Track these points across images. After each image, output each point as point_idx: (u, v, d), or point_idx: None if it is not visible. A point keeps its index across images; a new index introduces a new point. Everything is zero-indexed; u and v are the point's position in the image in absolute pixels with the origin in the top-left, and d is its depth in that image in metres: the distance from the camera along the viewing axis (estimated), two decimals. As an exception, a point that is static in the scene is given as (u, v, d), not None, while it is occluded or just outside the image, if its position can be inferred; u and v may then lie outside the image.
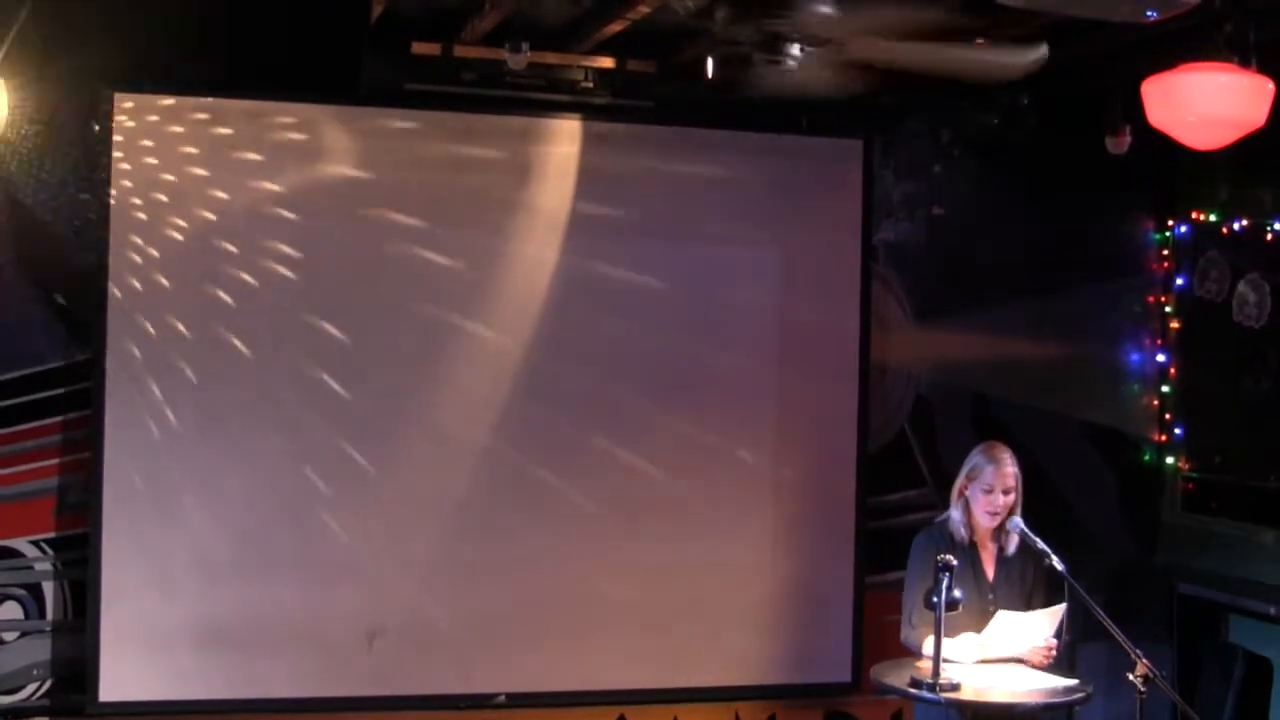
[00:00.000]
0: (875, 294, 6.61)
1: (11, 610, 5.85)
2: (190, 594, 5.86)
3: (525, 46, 5.37)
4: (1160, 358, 7.01)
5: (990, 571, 5.25)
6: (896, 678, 5.02)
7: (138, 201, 5.86)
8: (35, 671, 5.86)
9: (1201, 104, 4.63)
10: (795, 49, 4.49)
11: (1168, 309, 7.00)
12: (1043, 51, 4.66)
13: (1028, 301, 6.86)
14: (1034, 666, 5.08)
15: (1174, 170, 6.71)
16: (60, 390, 5.88)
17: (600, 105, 6.16)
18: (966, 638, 5.06)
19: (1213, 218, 6.77)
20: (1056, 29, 4.94)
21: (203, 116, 5.91)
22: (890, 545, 5.99)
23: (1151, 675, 4.67)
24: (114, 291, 5.81)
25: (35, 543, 5.87)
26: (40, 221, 5.87)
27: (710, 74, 5.32)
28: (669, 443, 6.34)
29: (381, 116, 6.08)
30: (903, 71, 4.77)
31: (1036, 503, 5.37)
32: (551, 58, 5.85)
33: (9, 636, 5.85)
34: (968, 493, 5.23)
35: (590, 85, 6.01)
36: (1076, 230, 6.90)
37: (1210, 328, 6.74)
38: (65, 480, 5.88)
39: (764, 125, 6.40)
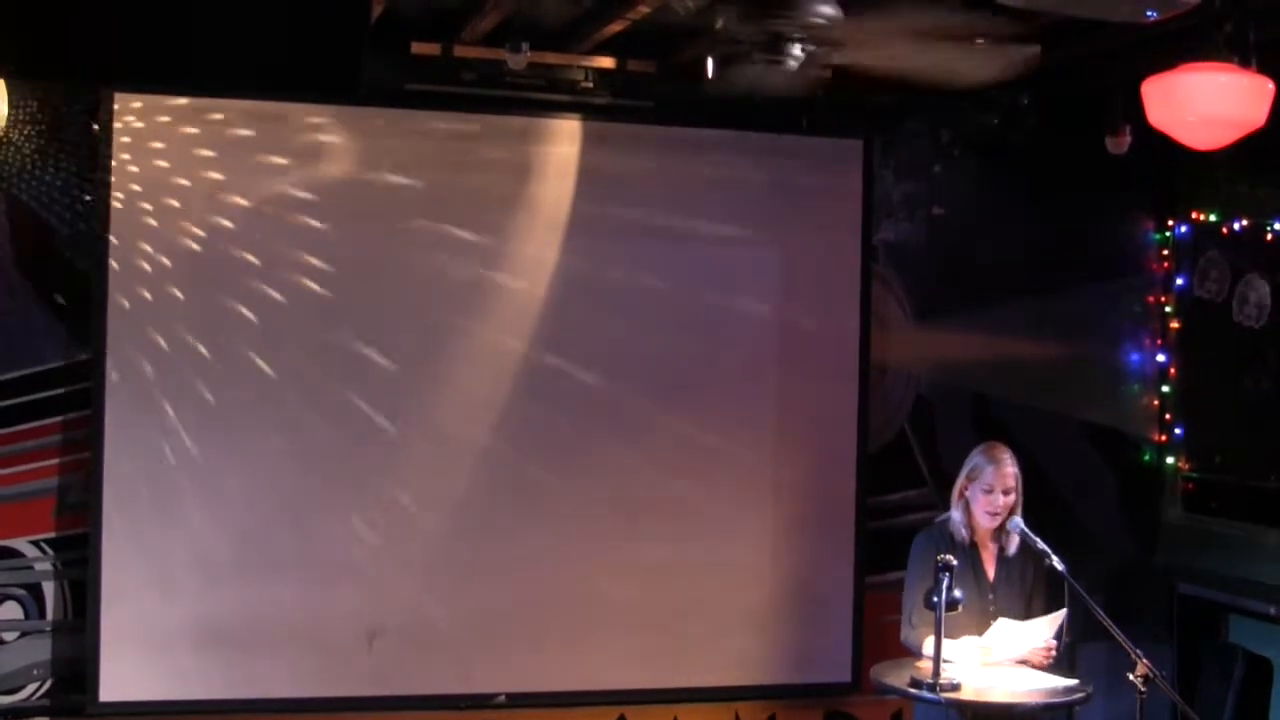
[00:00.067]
0: (875, 294, 6.61)
1: (11, 610, 5.85)
2: (190, 594, 5.87)
3: (525, 46, 5.38)
4: (1160, 358, 7.01)
5: (991, 572, 5.25)
6: (896, 678, 5.02)
7: (137, 201, 5.86)
8: (35, 671, 5.86)
9: (1201, 104, 4.63)
10: (796, 49, 4.50)
11: (1168, 309, 7.00)
12: (1034, 50, 4.67)
13: (1028, 301, 6.86)
14: (1034, 666, 5.08)
15: (1174, 170, 6.71)
16: (60, 390, 5.88)
17: (600, 105, 6.16)
18: (967, 641, 5.05)
19: (1213, 218, 6.77)
20: (1056, 29, 4.95)
21: (201, 116, 5.91)
22: (890, 545, 5.99)
23: (1151, 675, 4.67)
24: (114, 291, 5.82)
25: (35, 543, 5.87)
26: (40, 221, 5.87)
27: (710, 74, 5.33)
28: (669, 443, 6.34)
29: (381, 116, 6.08)
30: (899, 75, 4.78)
31: (1036, 503, 5.37)
32: (551, 58, 5.86)
33: (9, 636, 5.85)
34: (968, 493, 5.22)
35: (590, 85, 6.01)
36: (1076, 230, 6.90)
37: (1210, 328, 6.74)
38: (65, 480, 5.88)
39: (764, 125, 6.40)
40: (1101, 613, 4.83)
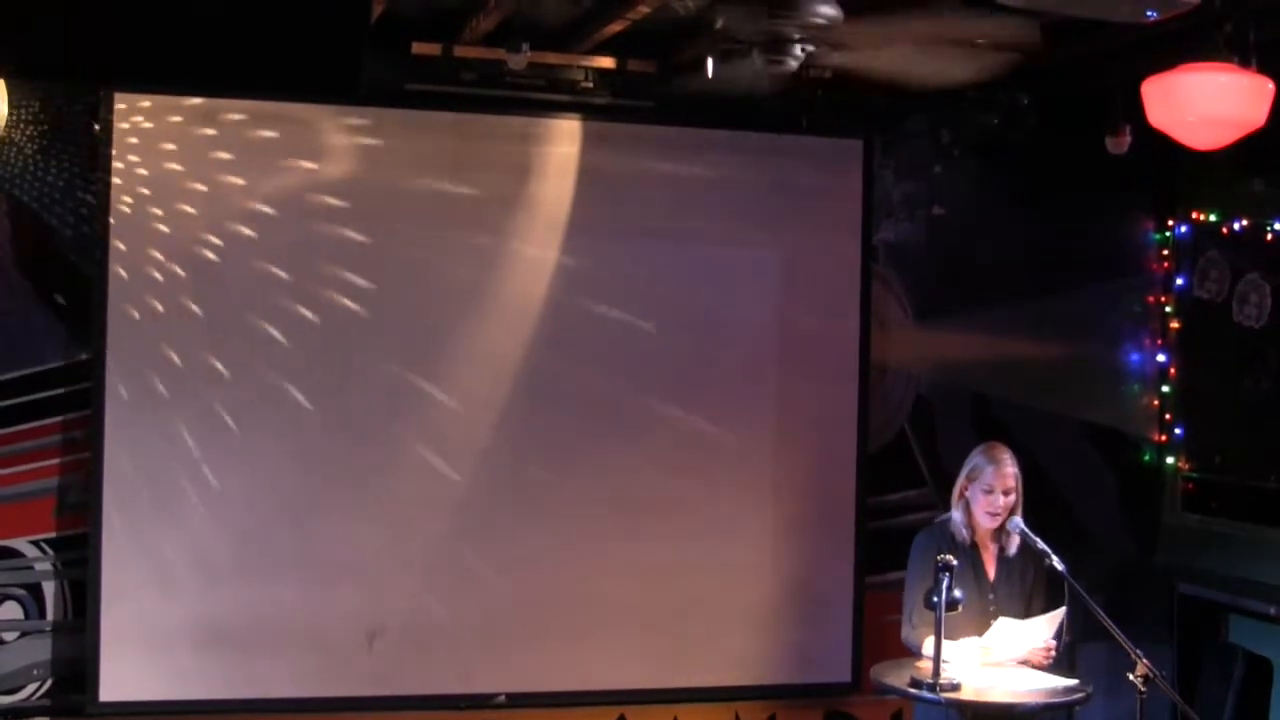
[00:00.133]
0: (875, 294, 6.61)
1: (11, 610, 5.85)
2: (190, 594, 5.87)
3: (525, 46, 5.38)
4: (1160, 358, 7.01)
5: (991, 572, 5.25)
6: (896, 678, 5.02)
7: (138, 201, 5.86)
8: (35, 671, 5.86)
9: (1201, 104, 4.63)
10: (797, 49, 4.51)
11: (1168, 309, 7.00)
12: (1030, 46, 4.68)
13: (1028, 301, 6.86)
14: (1034, 666, 5.08)
15: (1174, 170, 6.71)
16: (60, 390, 5.88)
17: (600, 105, 6.16)
18: (967, 642, 5.05)
19: (1213, 218, 6.77)
20: (1056, 29, 4.95)
21: (201, 116, 5.91)
22: (890, 545, 5.99)
23: (1151, 675, 4.67)
24: (114, 291, 5.82)
25: (35, 543, 5.87)
26: (41, 221, 5.87)
27: (710, 74, 5.33)
28: (669, 443, 6.34)
29: (381, 116, 6.08)
30: (898, 77, 4.78)
31: (1036, 503, 5.37)
32: (551, 58, 5.86)
33: (9, 636, 5.85)
34: (968, 493, 5.22)
35: (590, 85, 6.02)
36: (1076, 230, 6.90)
37: (1210, 328, 6.74)
38: (65, 480, 5.88)
39: (764, 125, 6.40)
40: (1101, 613, 4.83)
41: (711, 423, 6.38)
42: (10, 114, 5.43)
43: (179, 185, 5.90)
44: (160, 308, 5.88)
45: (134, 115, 5.86)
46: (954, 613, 4.87)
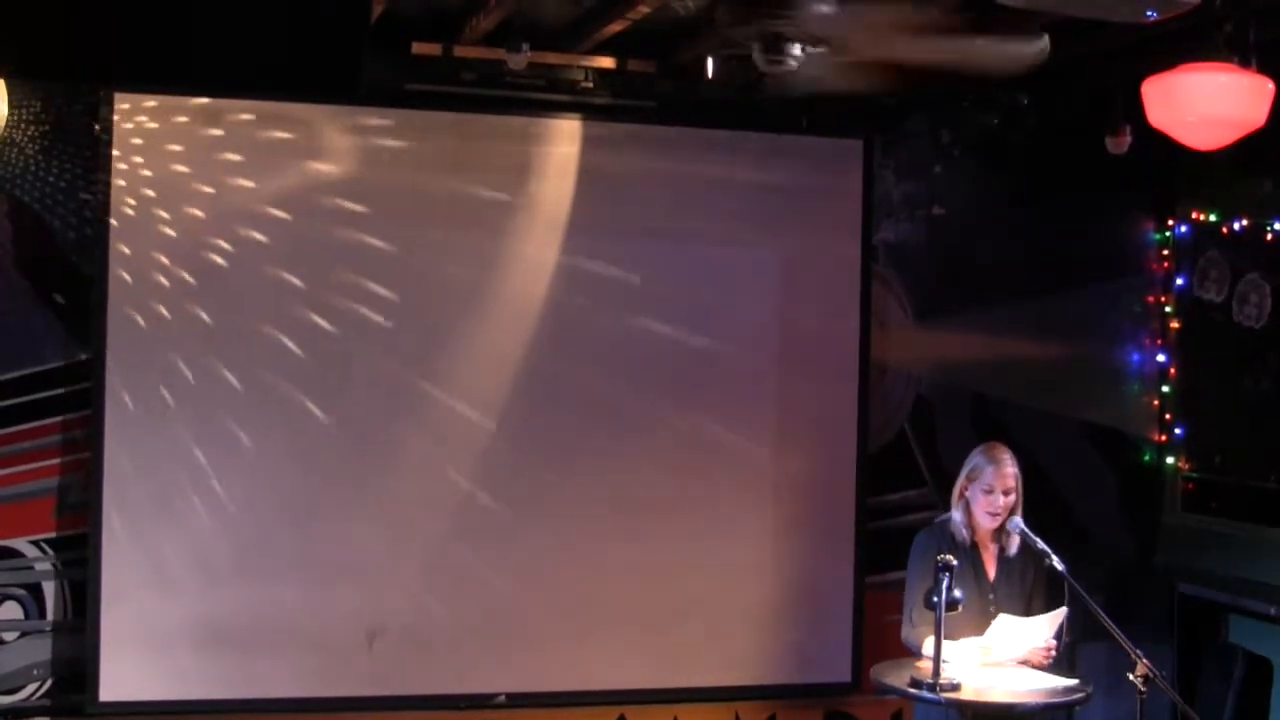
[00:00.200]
0: (875, 294, 6.61)
1: (11, 610, 5.85)
2: (190, 594, 5.87)
3: (525, 46, 5.38)
4: (1160, 358, 7.01)
5: (991, 572, 5.25)
6: (896, 678, 5.02)
7: (138, 201, 5.86)
8: (35, 671, 5.86)
9: (1201, 104, 4.63)
10: (796, 49, 4.50)
11: (1168, 309, 7.00)
12: (1044, 43, 4.67)
13: (1028, 301, 6.86)
14: (1034, 666, 5.08)
15: (1174, 170, 6.71)
16: (60, 390, 5.88)
17: (600, 105, 6.16)
18: (968, 643, 5.05)
19: (1213, 218, 6.77)
20: (1056, 29, 4.95)
21: (201, 116, 5.92)
22: (890, 545, 5.99)
23: (1151, 675, 4.67)
24: (114, 291, 5.82)
25: (35, 543, 5.87)
26: (41, 221, 5.87)
27: (710, 74, 5.33)
28: (669, 443, 6.34)
29: (381, 116, 6.08)
30: (904, 68, 4.77)
31: (1036, 503, 5.37)
32: (551, 58, 5.86)
33: (9, 636, 5.85)
34: (968, 493, 5.22)
35: (590, 85, 6.02)
36: (1076, 230, 6.90)
37: (1210, 328, 6.74)
38: (65, 480, 5.88)
39: (764, 125, 6.40)
40: (1101, 613, 4.83)
41: (711, 423, 6.38)
42: (11, 114, 5.43)
43: (178, 185, 5.90)
44: (158, 307, 5.87)
45: (138, 115, 5.85)
46: (954, 613, 4.87)
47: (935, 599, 4.78)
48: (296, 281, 6.00)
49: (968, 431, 6.59)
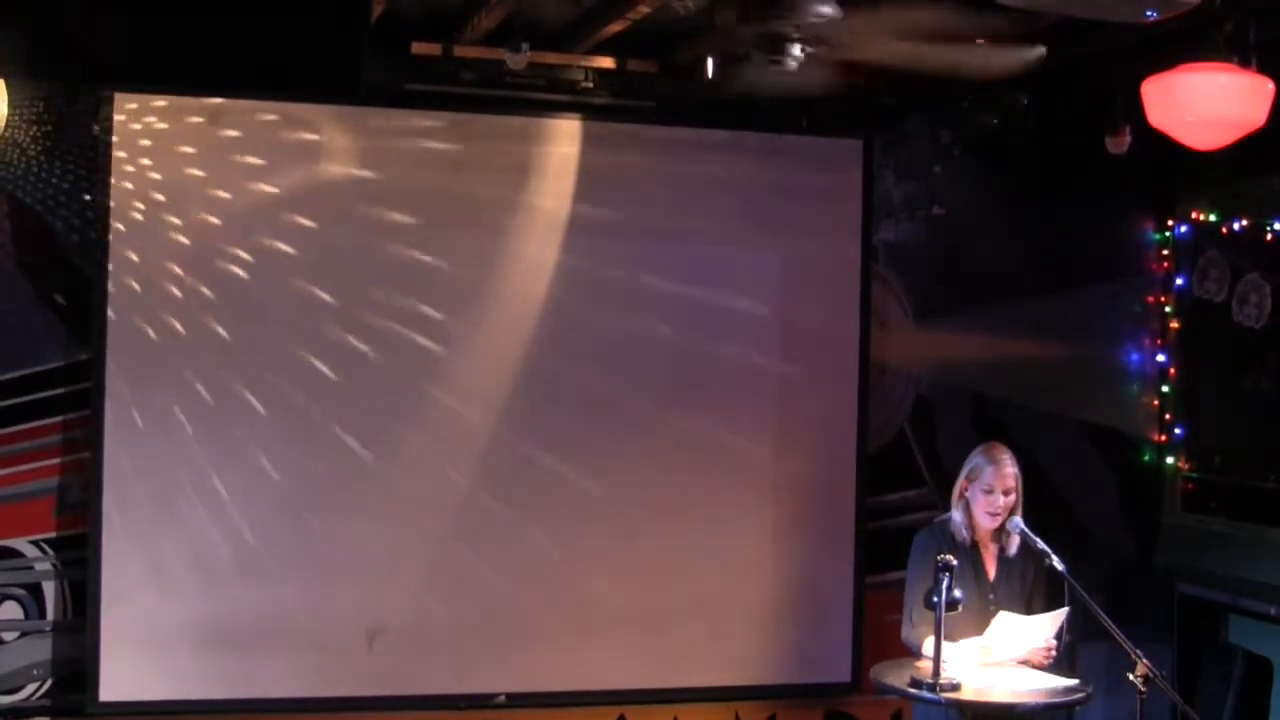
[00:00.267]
0: (875, 294, 6.61)
1: (11, 610, 5.85)
2: (190, 594, 5.87)
3: (525, 46, 5.37)
4: (1160, 358, 7.01)
5: (991, 572, 5.25)
6: (896, 678, 5.02)
7: (138, 201, 5.86)
8: (35, 671, 5.86)
9: (1201, 104, 4.63)
10: (796, 49, 4.50)
11: (1168, 309, 7.00)
12: (1039, 51, 4.68)
13: (1028, 301, 6.86)
14: (1034, 666, 5.08)
15: (1174, 170, 6.72)
16: (60, 390, 5.88)
17: (600, 105, 6.16)
18: (968, 644, 5.05)
19: (1213, 218, 6.77)
20: (1056, 29, 4.95)
21: (201, 116, 5.92)
22: (890, 545, 5.99)
23: (1151, 675, 4.66)
24: (114, 291, 5.82)
25: (35, 543, 5.87)
26: (41, 221, 5.87)
27: (710, 74, 5.33)
28: (669, 443, 6.34)
29: (381, 116, 6.08)
30: (903, 70, 4.78)
31: (1036, 503, 5.36)
32: (551, 58, 5.86)
33: (9, 636, 5.85)
34: (968, 493, 5.22)
35: (590, 85, 6.01)
36: (1076, 230, 6.90)
37: (1210, 328, 6.74)
38: (65, 480, 5.88)
39: (764, 125, 6.40)
40: (1101, 613, 4.83)
41: (711, 423, 6.38)
42: (11, 114, 5.43)
43: (179, 184, 5.90)
44: (157, 306, 5.87)
45: (147, 115, 5.85)
46: (954, 613, 4.86)
47: (935, 599, 4.78)
48: (297, 282, 6.00)
49: (968, 431, 6.59)
